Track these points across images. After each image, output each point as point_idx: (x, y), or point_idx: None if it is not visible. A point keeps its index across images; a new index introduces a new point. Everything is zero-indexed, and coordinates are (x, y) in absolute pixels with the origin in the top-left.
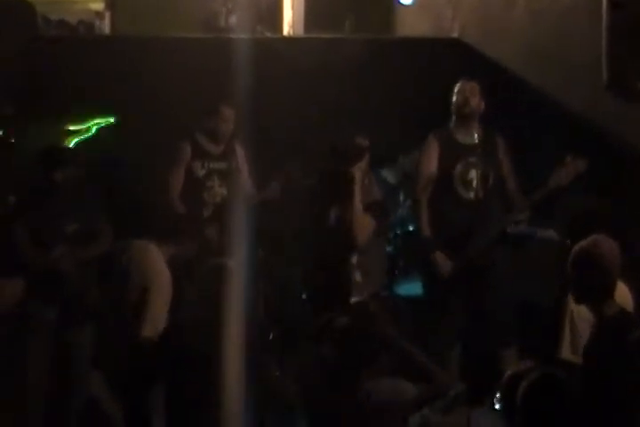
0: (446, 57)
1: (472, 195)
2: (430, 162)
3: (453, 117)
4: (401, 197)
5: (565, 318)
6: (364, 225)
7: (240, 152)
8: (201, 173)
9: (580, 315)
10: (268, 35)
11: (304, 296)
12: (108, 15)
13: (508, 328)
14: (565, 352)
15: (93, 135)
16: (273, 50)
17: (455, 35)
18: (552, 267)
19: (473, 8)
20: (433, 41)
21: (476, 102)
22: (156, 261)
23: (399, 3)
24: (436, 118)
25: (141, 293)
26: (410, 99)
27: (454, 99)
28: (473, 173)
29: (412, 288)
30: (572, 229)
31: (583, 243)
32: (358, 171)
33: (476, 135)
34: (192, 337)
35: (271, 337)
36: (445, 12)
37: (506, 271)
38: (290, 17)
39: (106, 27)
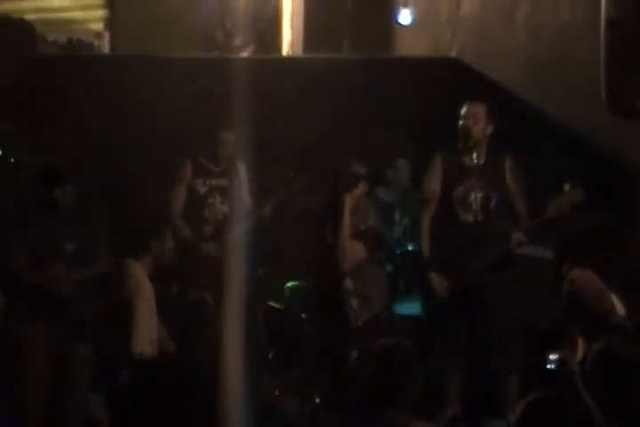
0: (445, 76)
1: (471, 217)
2: (433, 181)
3: (460, 140)
4: (397, 216)
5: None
6: (352, 251)
7: (242, 170)
8: (202, 190)
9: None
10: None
11: (303, 316)
12: (107, 35)
13: (507, 350)
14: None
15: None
16: (272, 69)
17: (454, 54)
18: (549, 286)
19: (471, 27)
20: (431, 61)
21: (481, 127)
22: (135, 276)
23: (398, 23)
24: (436, 138)
25: (127, 308)
26: (409, 118)
27: (459, 123)
28: (474, 196)
29: (412, 307)
30: (565, 250)
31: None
32: (349, 197)
33: (481, 157)
34: (191, 356)
35: (271, 356)
36: (444, 32)
37: (504, 292)
38: (289, 37)
39: (105, 46)
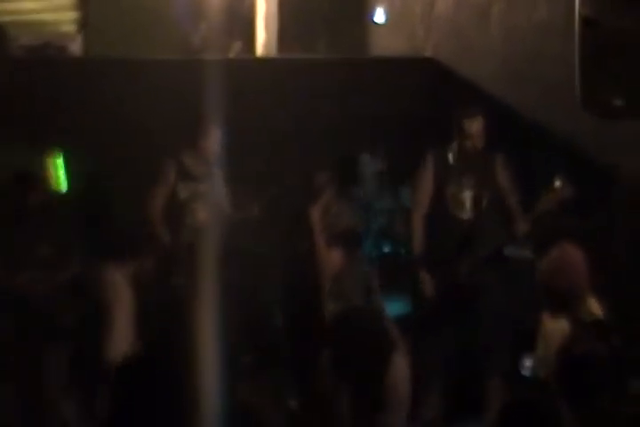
0: (420, 76)
1: (465, 215)
2: (425, 181)
3: (455, 145)
4: (370, 215)
5: (539, 335)
6: (329, 260)
7: (219, 173)
8: (184, 195)
9: (554, 331)
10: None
11: (279, 320)
12: (80, 37)
13: (493, 352)
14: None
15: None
16: (248, 70)
17: (428, 53)
18: (527, 287)
19: (446, 26)
20: (406, 60)
21: (483, 140)
22: (115, 283)
23: (372, 21)
24: (410, 138)
25: (104, 313)
26: (384, 118)
27: (464, 140)
28: (466, 194)
29: (390, 308)
30: (540, 245)
31: (550, 252)
32: (315, 210)
33: (473, 156)
34: (164, 361)
35: (246, 360)
36: (418, 31)
37: (494, 292)
38: (263, 36)
39: (78, 49)
